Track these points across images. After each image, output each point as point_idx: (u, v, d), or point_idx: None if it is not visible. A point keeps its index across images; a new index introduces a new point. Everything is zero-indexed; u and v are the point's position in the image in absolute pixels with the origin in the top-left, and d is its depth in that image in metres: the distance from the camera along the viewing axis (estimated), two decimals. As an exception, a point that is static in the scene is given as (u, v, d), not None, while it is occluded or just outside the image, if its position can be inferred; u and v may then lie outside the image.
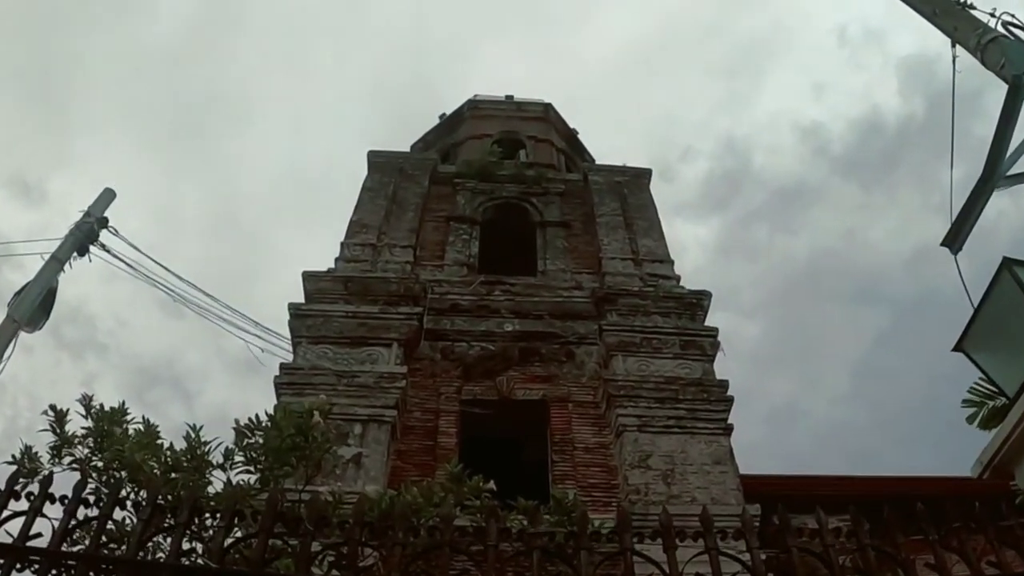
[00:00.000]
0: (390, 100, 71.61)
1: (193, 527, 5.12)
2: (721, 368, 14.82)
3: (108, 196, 13.74)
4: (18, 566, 4.64)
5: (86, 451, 7.37)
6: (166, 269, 14.01)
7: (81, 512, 5.05)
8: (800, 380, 58.87)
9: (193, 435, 7.28)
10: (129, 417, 7.62)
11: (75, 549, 5.36)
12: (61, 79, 62.11)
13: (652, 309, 15.57)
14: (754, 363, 51.51)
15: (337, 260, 16.60)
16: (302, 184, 69.86)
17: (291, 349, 14.63)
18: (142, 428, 7.49)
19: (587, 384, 14.75)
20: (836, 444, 47.35)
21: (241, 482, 7.18)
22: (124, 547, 5.35)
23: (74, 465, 7.30)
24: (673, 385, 13.97)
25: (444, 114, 25.86)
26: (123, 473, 6.96)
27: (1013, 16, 8.30)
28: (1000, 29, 8.27)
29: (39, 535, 4.87)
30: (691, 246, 57.13)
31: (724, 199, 69.98)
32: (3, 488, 4.95)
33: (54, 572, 4.58)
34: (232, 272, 54.89)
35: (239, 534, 4.96)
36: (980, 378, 9.54)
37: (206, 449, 7.27)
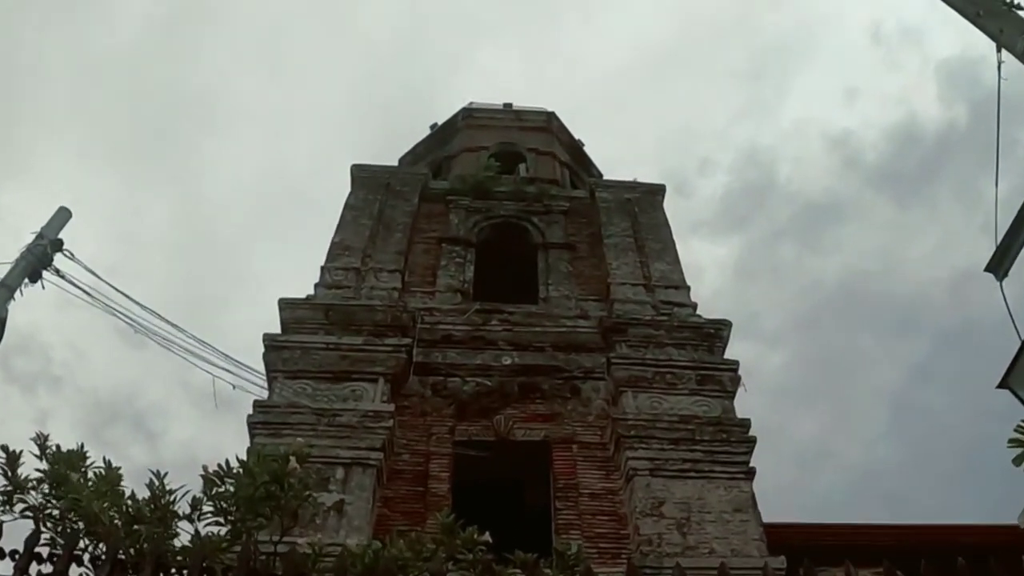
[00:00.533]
0: (377, 108, 71.73)
1: (158, 585, 5.15)
2: (742, 405, 14.86)
3: (63, 216, 13.74)
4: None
5: (40, 498, 7.36)
6: (126, 296, 14.03)
7: (33, 568, 5.08)
8: (830, 417, 58.86)
9: (157, 482, 7.29)
10: (89, 460, 7.61)
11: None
12: (9, 83, 62.26)
13: (666, 340, 15.61)
14: (779, 398, 51.38)
15: (317, 286, 16.65)
16: (279, 200, 69.85)
17: (266, 385, 14.65)
18: (103, 472, 7.48)
19: (594, 423, 14.78)
20: (869, 488, 47.28)
21: (210, 534, 7.18)
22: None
23: (27, 513, 7.29)
24: (689, 424, 13.99)
25: (436, 124, 25.97)
26: (80, 524, 6.96)
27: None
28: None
29: (-13, 594, 4.89)
30: (709, 268, 57.07)
31: (746, 216, 70.12)
32: (-52, 541, 4.97)
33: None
34: (201, 298, 54.83)
35: (208, 592, 4.99)
36: (1028, 416, 9.56)
37: (171, 498, 7.27)
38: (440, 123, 25.85)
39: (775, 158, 73.26)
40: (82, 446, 7.67)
